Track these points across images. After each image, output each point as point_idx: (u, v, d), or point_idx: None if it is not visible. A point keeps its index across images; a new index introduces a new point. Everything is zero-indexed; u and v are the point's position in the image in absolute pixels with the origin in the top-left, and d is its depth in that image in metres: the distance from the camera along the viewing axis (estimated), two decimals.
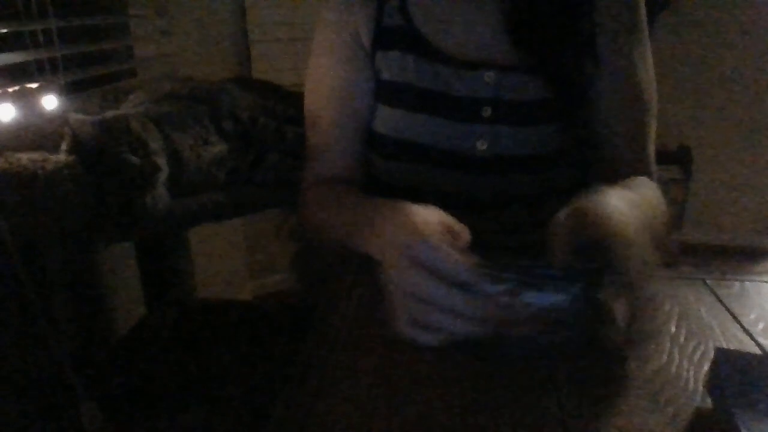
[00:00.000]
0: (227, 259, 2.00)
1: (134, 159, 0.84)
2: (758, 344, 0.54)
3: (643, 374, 0.50)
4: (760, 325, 0.57)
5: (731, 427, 0.41)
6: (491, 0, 0.77)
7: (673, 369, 0.51)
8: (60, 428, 0.79)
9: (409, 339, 0.51)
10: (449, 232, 0.55)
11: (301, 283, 1.04)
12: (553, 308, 0.49)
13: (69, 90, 1.15)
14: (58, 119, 0.85)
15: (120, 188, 0.84)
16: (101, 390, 0.87)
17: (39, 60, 1.09)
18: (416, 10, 0.79)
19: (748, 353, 0.51)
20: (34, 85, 0.85)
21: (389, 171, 0.82)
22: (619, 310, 0.52)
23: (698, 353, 0.53)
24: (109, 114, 0.86)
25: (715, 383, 0.45)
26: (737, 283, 0.66)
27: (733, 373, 0.44)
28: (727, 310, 0.60)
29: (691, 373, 0.50)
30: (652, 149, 0.82)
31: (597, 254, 0.50)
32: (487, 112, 0.76)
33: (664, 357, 0.52)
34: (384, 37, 0.80)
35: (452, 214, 0.79)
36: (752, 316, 0.59)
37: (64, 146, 0.82)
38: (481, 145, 0.77)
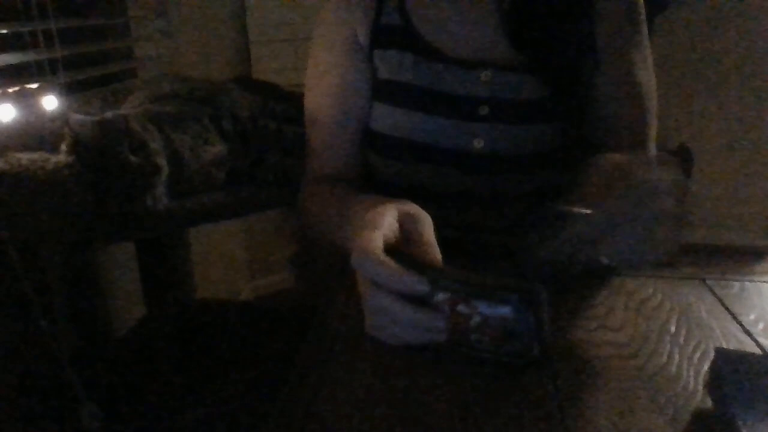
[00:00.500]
0: (227, 259, 2.00)
1: (134, 159, 0.84)
2: (758, 344, 0.54)
3: (643, 374, 0.50)
4: (760, 325, 0.57)
5: (731, 427, 0.41)
6: (489, 0, 0.77)
7: (673, 369, 0.51)
8: (60, 428, 0.79)
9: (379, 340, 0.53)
10: (411, 222, 0.55)
11: (301, 283, 1.05)
12: (500, 317, 0.49)
13: (69, 90, 1.15)
14: (58, 119, 0.85)
15: (120, 188, 0.84)
16: (101, 390, 0.87)
17: (39, 60, 1.09)
18: (414, 9, 0.79)
19: (748, 353, 0.51)
20: (34, 85, 0.85)
21: (387, 169, 0.82)
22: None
23: (698, 353, 0.53)
24: (109, 114, 0.86)
25: (715, 383, 0.45)
26: (737, 283, 0.66)
27: (733, 373, 0.45)
28: (727, 310, 0.60)
29: (691, 373, 0.50)
30: (652, 150, 0.82)
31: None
32: (484, 110, 0.76)
33: (664, 357, 0.52)
34: (382, 36, 0.80)
35: (449, 213, 0.80)
36: (752, 316, 0.59)
37: (64, 146, 0.82)
38: (478, 144, 0.77)
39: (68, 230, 0.81)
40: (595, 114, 0.79)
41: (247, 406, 0.88)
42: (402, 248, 0.53)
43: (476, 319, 0.49)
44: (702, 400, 0.47)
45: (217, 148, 0.98)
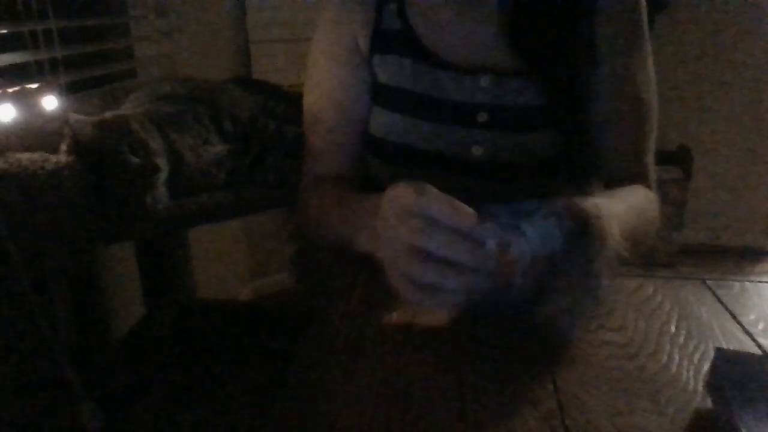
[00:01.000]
0: (227, 259, 2.00)
1: (134, 159, 0.84)
2: (758, 344, 0.54)
3: (643, 374, 0.50)
4: (760, 325, 0.57)
5: (731, 427, 0.41)
6: (489, 5, 0.77)
7: (673, 369, 0.51)
8: (60, 428, 0.79)
9: (405, 299, 0.49)
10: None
11: (301, 283, 1.04)
12: (549, 249, 0.49)
13: (69, 90, 1.15)
14: (58, 119, 0.84)
15: (120, 188, 0.84)
16: (101, 390, 0.87)
17: (39, 60, 1.09)
18: (414, 14, 0.79)
19: (748, 353, 0.51)
20: (34, 86, 0.85)
21: (385, 174, 0.82)
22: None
23: (698, 353, 0.53)
24: (109, 114, 0.86)
25: (715, 383, 0.45)
26: (737, 283, 0.66)
27: (733, 373, 0.45)
28: (727, 310, 0.60)
29: (691, 373, 0.50)
30: (651, 155, 0.81)
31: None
32: (483, 117, 0.76)
33: (664, 357, 0.52)
34: (382, 41, 0.80)
35: None
36: (752, 316, 0.59)
37: (64, 146, 0.82)
38: (477, 151, 0.77)
39: (68, 230, 0.81)
40: (594, 119, 0.79)
41: (247, 406, 0.88)
42: None
43: (524, 260, 0.48)
44: (702, 400, 0.47)
45: (217, 148, 0.98)
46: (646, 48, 0.79)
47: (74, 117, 0.83)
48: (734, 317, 0.59)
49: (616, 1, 0.76)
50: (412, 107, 0.78)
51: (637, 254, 0.65)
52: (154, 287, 1.28)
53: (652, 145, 0.81)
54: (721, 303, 0.62)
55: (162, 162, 0.88)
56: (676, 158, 2.26)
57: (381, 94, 0.81)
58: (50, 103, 0.85)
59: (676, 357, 0.52)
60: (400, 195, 0.50)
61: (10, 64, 1.04)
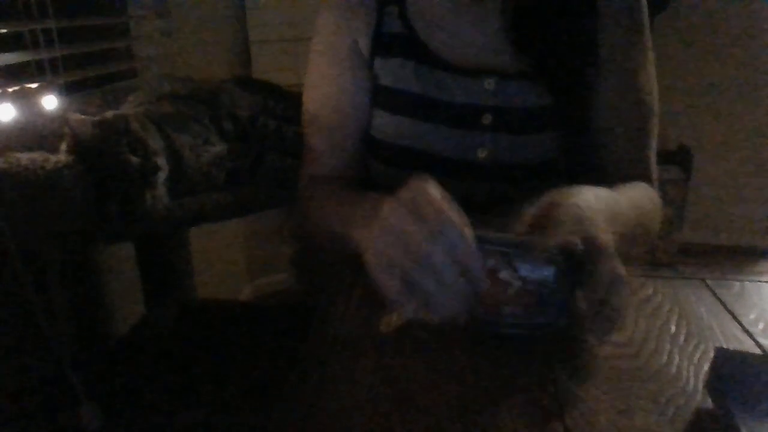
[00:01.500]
0: (227, 259, 2.00)
1: (134, 159, 0.84)
2: (758, 344, 0.54)
3: (643, 374, 0.50)
4: (760, 325, 0.57)
5: (731, 427, 0.41)
6: (492, 7, 0.77)
7: (673, 369, 0.51)
8: (60, 428, 0.79)
9: (380, 287, 0.47)
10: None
11: (301, 283, 1.04)
12: (539, 281, 0.49)
13: (69, 90, 1.15)
14: (58, 119, 0.85)
15: (120, 188, 0.84)
16: (101, 390, 0.87)
17: (39, 60, 1.09)
18: (416, 17, 0.79)
19: (748, 353, 0.51)
20: (34, 85, 0.85)
21: (388, 177, 0.81)
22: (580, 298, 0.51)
23: (698, 353, 0.53)
24: (109, 114, 0.86)
25: (715, 383, 0.45)
26: (737, 283, 0.66)
27: (733, 373, 0.45)
28: (727, 310, 0.60)
29: (691, 373, 0.50)
30: (653, 155, 0.81)
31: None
32: (487, 119, 0.76)
33: (664, 357, 0.52)
34: (384, 44, 0.79)
35: None
36: (752, 316, 0.59)
37: (64, 146, 0.82)
38: (482, 153, 0.76)
39: (68, 230, 0.81)
40: (595, 119, 0.79)
41: (247, 406, 0.88)
42: None
43: (515, 286, 0.49)
44: (702, 400, 0.47)
45: (217, 148, 0.98)
46: (648, 48, 0.79)
47: (74, 117, 0.83)
48: (734, 317, 0.59)
49: (618, 1, 0.76)
50: (416, 109, 0.78)
51: (638, 248, 0.66)
52: (154, 287, 1.28)
53: (653, 145, 0.81)
54: (721, 303, 0.62)
55: (162, 162, 0.88)
56: (676, 158, 2.26)
57: (383, 97, 0.80)
58: (50, 103, 0.85)
59: (676, 357, 0.52)
60: (418, 193, 0.49)
61: (10, 64, 1.04)
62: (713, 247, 2.57)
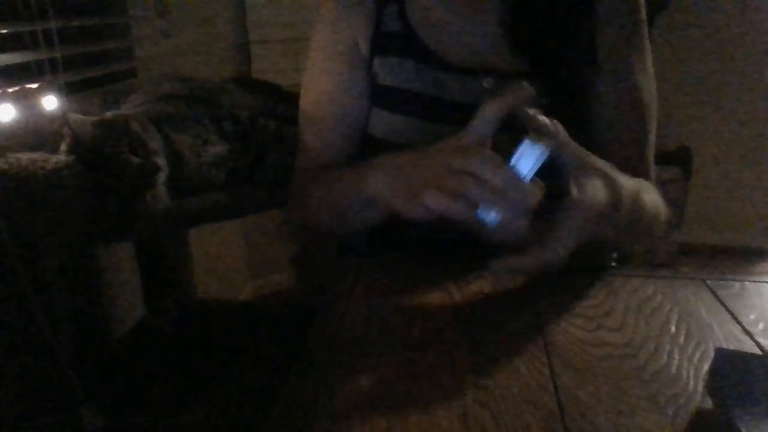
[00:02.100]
0: (227, 259, 2.00)
1: (134, 159, 0.84)
2: (758, 344, 0.54)
3: (643, 374, 0.50)
4: (760, 325, 0.57)
5: (731, 427, 0.41)
6: (491, 6, 0.77)
7: (673, 369, 0.51)
8: (60, 428, 0.79)
9: (452, 215, 0.55)
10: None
11: (301, 283, 1.04)
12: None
13: (69, 90, 1.15)
14: (58, 119, 0.85)
15: (120, 188, 0.84)
16: (101, 390, 0.87)
17: (39, 60, 1.09)
18: (415, 16, 0.79)
19: (748, 353, 0.51)
20: (34, 85, 0.85)
21: None
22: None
23: (698, 353, 0.53)
24: (109, 114, 0.86)
25: (715, 383, 0.45)
26: (737, 283, 0.66)
27: (733, 373, 0.45)
28: (727, 310, 0.60)
29: (691, 373, 0.50)
30: (651, 155, 0.81)
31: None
32: None
33: (664, 357, 0.52)
34: (382, 43, 0.79)
35: (450, 222, 0.79)
36: (752, 316, 0.59)
37: (64, 146, 0.82)
38: None
39: (68, 230, 0.81)
40: (594, 119, 0.79)
41: (247, 406, 0.88)
42: None
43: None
44: (702, 400, 0.47)
45: (217, 148, 0.98)
46: (647, 48, 0.79)
47: (74, 117, 0.83)
48: (734, 317, 0.59)
49: (617, 1, 0.76)
50: (414, 108, 0.78)
51: (644, 237, 0.75)
52: (154, 287, 1.28)
53: (652, 145, 0.81)
54: (721, 303, 0.62)
55: (162, 162, 0.88)
56: (676, 158, 2.25)
57: (382, 96, 0.80)
58: (50, 103, 0.85)
59: (676, 357, 0.52)
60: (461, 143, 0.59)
61: (10, 64, 1.04)
62: (713, 247, 2.57)
